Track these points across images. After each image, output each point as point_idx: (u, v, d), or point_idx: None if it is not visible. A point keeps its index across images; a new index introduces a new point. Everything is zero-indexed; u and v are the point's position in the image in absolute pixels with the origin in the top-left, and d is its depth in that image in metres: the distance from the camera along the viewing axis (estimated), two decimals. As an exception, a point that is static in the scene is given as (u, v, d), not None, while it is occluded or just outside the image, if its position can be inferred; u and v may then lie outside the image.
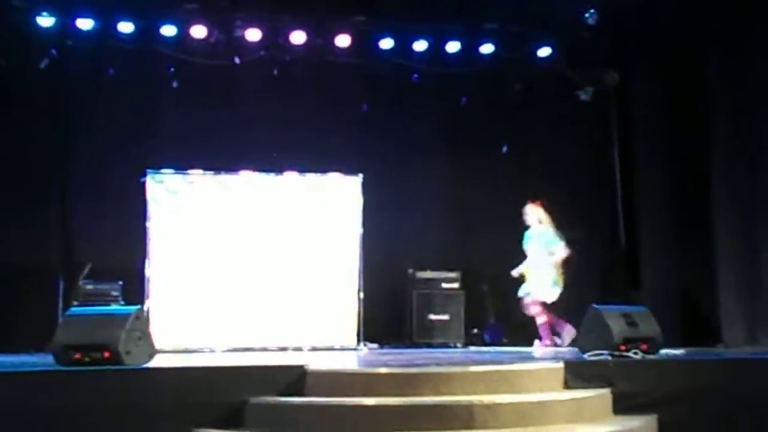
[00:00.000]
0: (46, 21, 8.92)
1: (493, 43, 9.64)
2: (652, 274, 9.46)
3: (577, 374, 6.15)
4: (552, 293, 8.68)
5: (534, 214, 8.93)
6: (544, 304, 8.70)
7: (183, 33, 9.14)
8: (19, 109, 8.98)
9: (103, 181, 8.96)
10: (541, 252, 8.77)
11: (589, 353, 6.81)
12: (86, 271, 8.27)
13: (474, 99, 9.97)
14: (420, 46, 9.57)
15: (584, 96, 9.91)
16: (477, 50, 9.67)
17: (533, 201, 8.92)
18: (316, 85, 9.53)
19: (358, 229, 9.10)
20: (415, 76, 9.73)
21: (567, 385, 6.11)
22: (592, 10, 9.18)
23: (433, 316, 9.20)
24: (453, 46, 9.61)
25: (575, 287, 8.94)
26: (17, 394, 5.65)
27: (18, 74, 9.00)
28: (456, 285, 9.36)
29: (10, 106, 8.94)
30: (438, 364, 6.32)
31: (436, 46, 9.59)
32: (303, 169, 9.21)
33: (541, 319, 8.67)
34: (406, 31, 9.48)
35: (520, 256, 8.88)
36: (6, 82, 8.95)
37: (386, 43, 9.50)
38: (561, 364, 6.19)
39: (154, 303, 8.57)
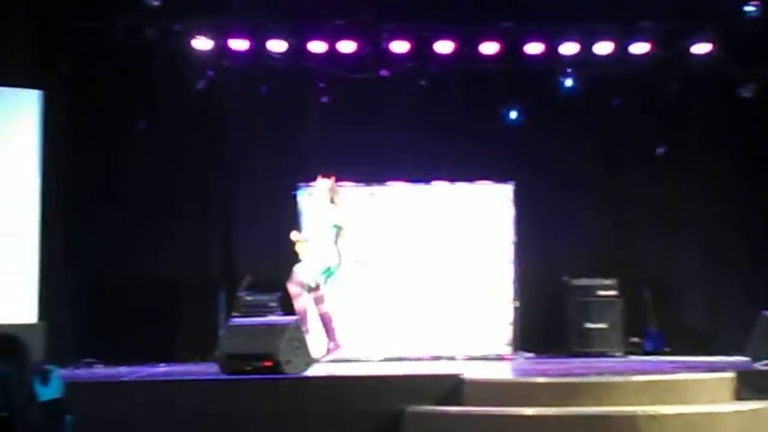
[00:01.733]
0: (202, 44, 9.32)
1: (647, 42, 9.36)
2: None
3: (748, 384, 5.88)
4: (313, 277, 7.91)
5: (325, 191, 8.12)
6: (308, 290, 7.95)
7: (332, 49, 9.34)
8: (178, 128, 9.41)
9: (259, 196, 9.26)
10: (326, 231, 8.04)
11: (762, 362, 6.51)
12: (245, 282, 8.53)
13: (627, 101, 9.71)
14: (569, 49, 9.41)
15: (746, 93, 9.45)
16: (629, 50, 9.42)
17: (325, 176, 8.17)
18: (465, 93, 9.53)
19: (510, 237, 9.01)
20: (566, 79, 9.57)
21: (738, 396, 5.85)
22: (755, 2, 8.77)
23: (590, 325, 8.99)
24: (604, 48, 9.39)
25: (741, 291, 8.56)
26: (183, 402, 5.90)
27: (177, 95, 9.44)
28: (613, 292, 9.12)
29: (170, 127, 9.38)
30: (599, 374, 6.18)
31: (587, 48, 9.41)
32: (453, 178, 9.21)
33: (297, 304, 7.93)
34: (555, 34, 9.34)
35: (685, 261, 8.55)
36: (166, 103, 9.41)
37: (534, 48, 9.39)
38: (731, 374, 5.93)
39: (311, 313, 8.73)
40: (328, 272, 7.96)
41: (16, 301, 8.03)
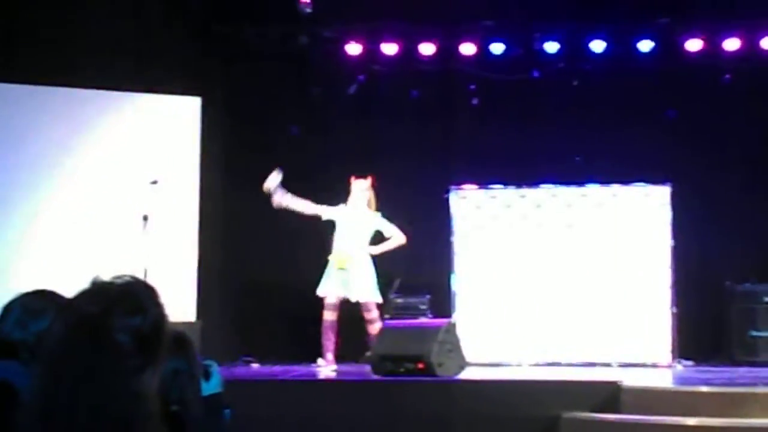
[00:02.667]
0: (354, 49, 9.55)
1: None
2: None
3: None
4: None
5: (364, 193, 8.20)
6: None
7: (482, 51, 9.38)
8: (330, 133, 9.66)
9: (410, 199, 9.38)
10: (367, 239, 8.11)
11: None
12: (396, 285, 8.67)
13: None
14: (731, 44, 9.11)
15: None
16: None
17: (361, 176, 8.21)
18: (619, 93, 9.37)
19: (668, 241, 8.80)
20: (727, 77, 9.27)
21: None
22: None
23: (755, 333, 8.66)
24: (769, 42, 9.06)
25: None
26: (333, 401, 6.08)
27: (329, 100, 9.70)
28: (778, 298, 8.77)
29: (322, 131, 9.64)
30: (767, 384, 5.98)
31: (751, 43, 9.08)
32: (606, 180, 9.07)
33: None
34: (716, 30, 9.06)
35: None
36: (319, 108, 9.68)
37: (694, 45, 9.15)
38: None
39: (460, 316, 8.80)
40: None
41: (176, 300, 8.47)
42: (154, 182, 7.90)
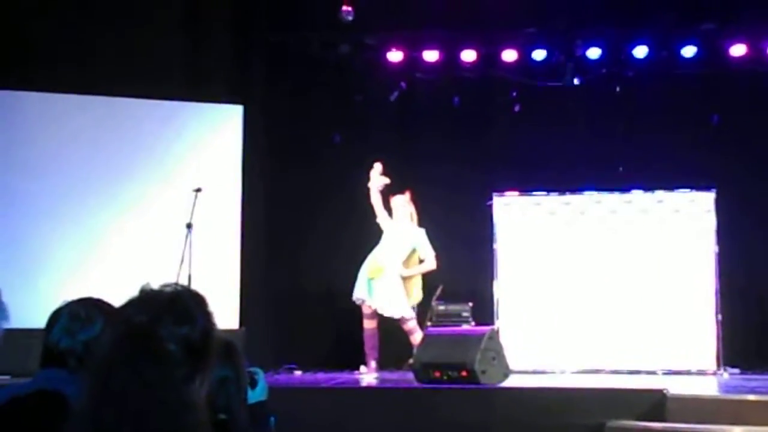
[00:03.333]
0: (395, 56, 9.57)
1: None
2: None
3: None
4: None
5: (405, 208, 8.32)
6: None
7: (523, 57, 9.34)
8: (372, 140, 9.63)
9: (452, 206, 9.35)
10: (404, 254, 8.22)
11: None
12: (438, 292, 8.63)
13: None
14: (776, 48, 9.00)
15: None
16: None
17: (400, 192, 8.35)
18: (662, 99, 9.28)
19: (713, 248, 8.67)
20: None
21: None
22: None
23: (803, 340, 8.52)
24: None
25: None
26: (377, 409, 6.06)
27: (371, 108, 9.71)
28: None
29: (364, 138, 9.62)
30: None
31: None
32: (650, 186, 8.97)
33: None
34: (760, 35, 8.94)
35: None
36: (360, 116, 9.69)
37: (738, 50, 9.03)
38: None
39: (503, 324, 8.75)
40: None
41: (220, 307, 8.50)
42: (198, 190, 7.94)
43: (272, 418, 2.94)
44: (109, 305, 2.47)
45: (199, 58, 9.29)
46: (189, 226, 7.79)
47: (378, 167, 8.46)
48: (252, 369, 2.90)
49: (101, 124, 8.85)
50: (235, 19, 9.52)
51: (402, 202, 8.45)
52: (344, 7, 8.61)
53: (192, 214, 7.83)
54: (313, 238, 9.49)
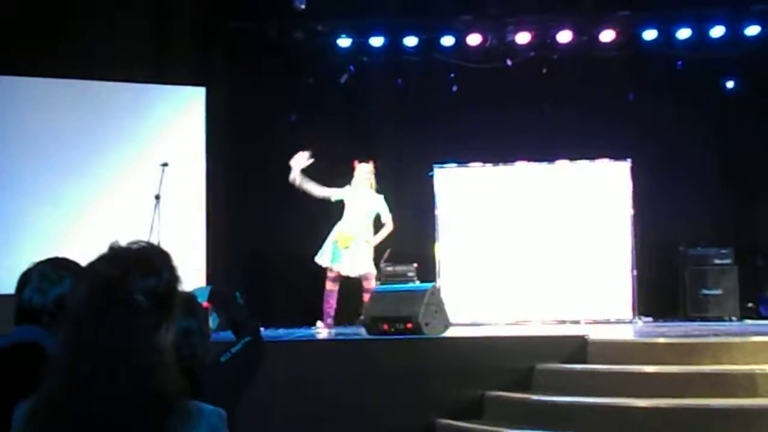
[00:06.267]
0: (344, 42, 9.53)
1: (760, 24, 8.96)
2: None
3: None
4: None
5: (369, 176, 8.21)
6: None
7: (460, 42, 9.36)
8: (324, 119, 9.63)
9: (398, 177, 9.37)
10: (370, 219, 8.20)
11: None
12: (387, 255, 8.67)
13: (741, 82, 9.33)
14: (684, 33, 9.12)
15: None
16: (743, 33, 9.05)
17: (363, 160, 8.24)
18: (583, 79, 9.37)
19: (629, 211, 8.83)
20: (680, 63, 9.29)
21: None
22: None
23: (706, 291, 8.73)
24: (718, 31, 9.06)
25: None
26: (333, 359, 6.09)
27: (323, 89, 9.67)
28: (728, 261, 8.81)
29: (317, 117, 9.61)
30: (717, 335, 6.03)
31: (701, 33, 9.09)
32: (574, 157, 9.09)
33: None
34: (670, 20, 9.07)
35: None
36: (313, 96, 9.65)
37: (650, 35, 9.15)
38: None
39: (444, 282, 8.83)
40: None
41: (186, 271, 8.41)
42: (165, 165, 7.86)
43: (237, 294, 2.81)
44: (75, 263, 2.43)
45: (165, 44, 9.13)
46: (157, 197, 7.75)
47: (303, 156, 8.23)
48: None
49: (76, 106, 8.70)
50: (197, 6, 9.38)
51: (366, 171, 8.31)
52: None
53: (160, 186, 7.77)
54: (271, 207, 9.45)
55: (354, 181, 8.31)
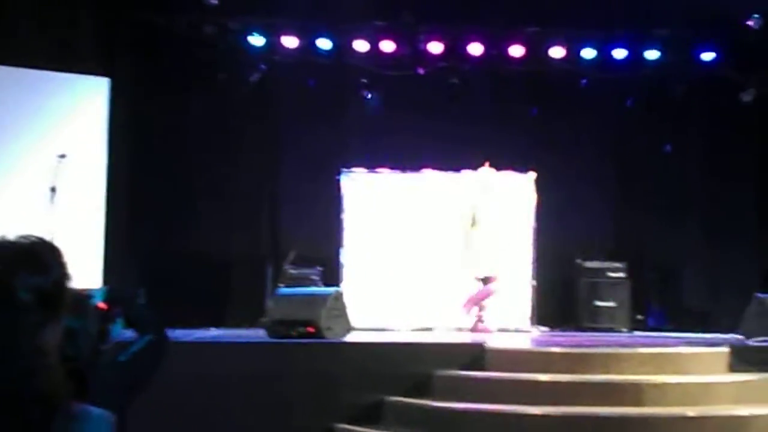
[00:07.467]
0: (257, 40, 9.40)
1: (659, 49, 9.34)
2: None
3: (741, 358, 5.92)
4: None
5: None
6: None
7: (373, 48, 9.38)
8: (235, 117, 9.49)
9: (305, 179, 9.33)
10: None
11: (754, 339, 6.51)
12: (290, 258, 8.63)
13: (639, 101, 9.69)
14: (588, 53, 9.40)
15: (747, 97, 9.46)
16: (643, 55, 9.40)
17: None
18: (492, 91, 9.55)
19: (531, 223, 9.02)
20: (584, 81, 9.58)
21: (732, 369, 5.88)
22: (756, 15, 8.71)
23: (599, 303, 9.00)
24: (620, 53, 9.39)
25: (737, 275, 8.54)
26: (232, 363, 6.00)
27: (234, 87, 9.51)
28: (622, 274, 9.13)
29: (226, 114, 9.46)
30: (608, 346, 6.22)
31: (604, 53, 9.39)
32: (479, 167, 9.20)
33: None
34: (576, 39, 9.33)
35: (687, 246, 8.53)
36: (223, 93, 9.49)
37: (557, 52, 9.39)
38: (726, 349, 5.96)
39: (347, 286, 8.83)
40: None
41: (83, 267, 8.14)
42: (62, 156, 7.56)
43: (137, 293, 2.72)
44: None
45: (69, 32, 8.82)
46: (53, 189, 7.43)
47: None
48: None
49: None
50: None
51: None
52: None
53: (56, 178, 7.48)
54: (174, 203, 9.26)
55: None
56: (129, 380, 2.47)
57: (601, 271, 9.12)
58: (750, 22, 8.72)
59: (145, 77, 9.26)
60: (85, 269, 8.18)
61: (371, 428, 5.54)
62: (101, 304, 2.67)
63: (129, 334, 2.77)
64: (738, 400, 5.45)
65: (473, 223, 8.11)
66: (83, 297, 2.58)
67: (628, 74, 9.47)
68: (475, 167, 9.19)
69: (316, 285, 8.73)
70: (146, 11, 9.15)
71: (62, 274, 1.71)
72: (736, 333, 7.04)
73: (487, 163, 8.10)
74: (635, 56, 9.41)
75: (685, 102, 9.62)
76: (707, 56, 9.37)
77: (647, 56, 9.41)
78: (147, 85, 9.26)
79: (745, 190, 9.67)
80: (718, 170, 9.66)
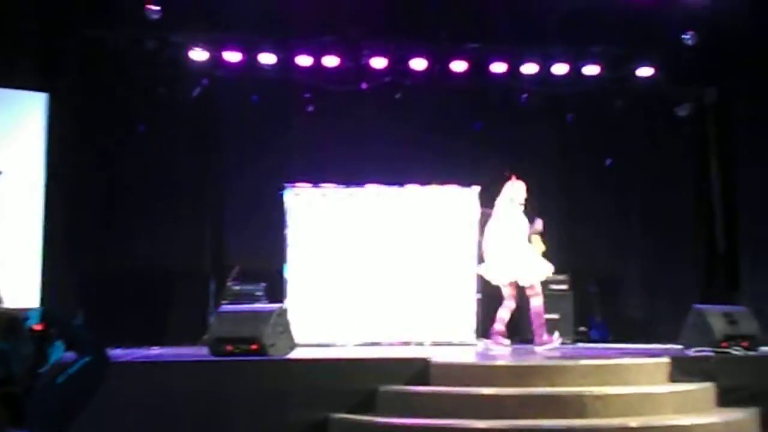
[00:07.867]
0: (198, 55, 9.32)
1: (598, 65, 9.55)
2: (752, 278, 9.17)
3: (681, 369, 6.05)
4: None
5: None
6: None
7: (317, 63, 9.38)
8: (176, 131, 9.39)
9: (248, 195, 9.27)
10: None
11: (693, 349, 6.65)
12: (234, 273, 8.54)
13: (579, 116, 9.89)
14: (529, 69, 9.54)
15: (682, 112, 9.78)
16: (582, 71, 9.59)
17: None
18: (435, 106, 9.64)
19: (475, 236, 9.09)
20: (524, 96, 9.72)
21: (672, 379, 6.00)
22: (690, 33, 8.96)
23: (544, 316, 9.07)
24: (560, 69, 9.56)
25: (676, 287, 8.72)
26: (175, 381, 5.91)
27: (175, 101, 9.41)
28: (565, 287, 9.25)
29: (167, 130, 9.35)
30: (551, 358, 6.28)
31: (545, 69, 9.55)
32: (423, 182, 9.28)
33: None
34: (517, 55, 9.47)
35: (628, 260, 8.68)
36: (164, 108, 9.38)
37: (498, 68, 9.51)
38: (666, 360, 6.07)
39: (291, 302, 8.77)
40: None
41: (19, 287, 7.95)
42: (-2, 173, 7.40)
43: (75, 314, 2.68)
44: None
45: (7, 47, 8.62)
46: (-12, 206, 7.25)
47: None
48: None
49: None
50: (46, 9, 8.91)
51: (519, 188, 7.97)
52: (149, 6, 8.30)
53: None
54: (115, 222, 9.10)
55: None
56: (68, 403, 2.40)
57: (544, 284, 9.19)
58: (685, 38, 8.96)
59: (84, 92, 9.09)
60: (22, 289, 7.98)
61: (316, 446, 5.49)
62: (37, 326, 2.60)
63: (70, 355, 2.71)
64: (679, 410, 5.56)
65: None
66: (17, 318, 2.50)
67: (568, 89, 9.64)
68: (420, 182, 9.25)
69: (260, 301, 8.65)
70: (87, 25, 8.99)
71: (-12, 297, 1.66)
72: (676, 344, 7.19)
73: (514, 176, 8.07)
74: (575, 72, 9.59)
75: (624, 116, 9.84)
76: (644, 72, 9.60)
77: (586, 72, 9.60)
78: (86, 101, 9.08)
79: (684, 202, 9.91)
80: (657, 183, 9.89)
